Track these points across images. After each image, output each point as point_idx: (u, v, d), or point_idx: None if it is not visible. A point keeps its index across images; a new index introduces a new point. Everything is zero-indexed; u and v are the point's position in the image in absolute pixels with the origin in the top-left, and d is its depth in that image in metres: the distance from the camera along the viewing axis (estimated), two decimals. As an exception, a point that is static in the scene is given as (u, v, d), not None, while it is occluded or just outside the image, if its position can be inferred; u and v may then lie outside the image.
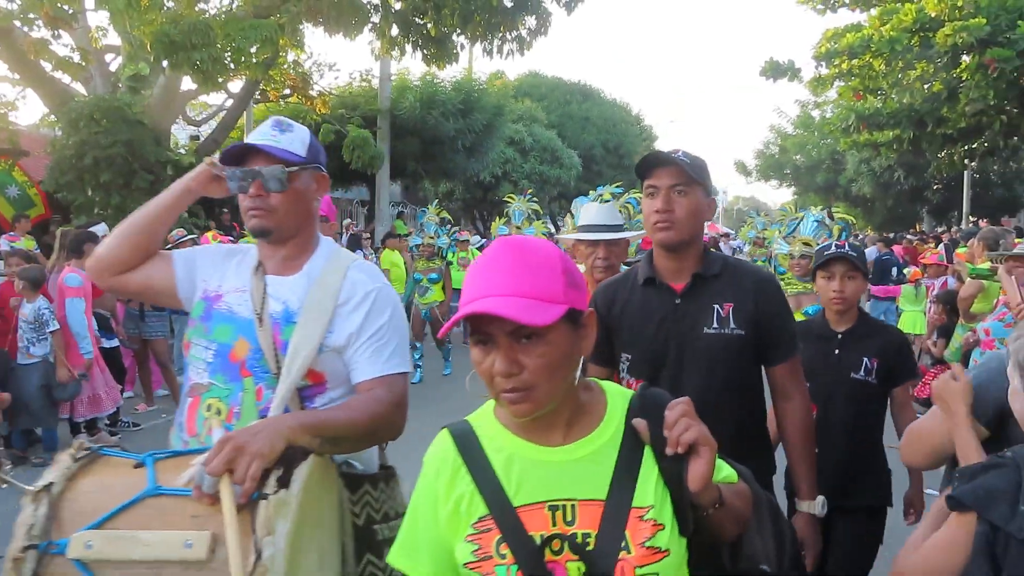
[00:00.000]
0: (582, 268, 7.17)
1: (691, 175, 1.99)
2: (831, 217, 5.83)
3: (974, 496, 1.29)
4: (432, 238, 8.68)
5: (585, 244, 3.05)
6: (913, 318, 9.25)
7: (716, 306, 2.06)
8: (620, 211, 5.38)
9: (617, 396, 1.30)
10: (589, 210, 3.08)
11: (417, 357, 8.44)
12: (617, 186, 6.14)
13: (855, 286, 2.76)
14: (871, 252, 13.63)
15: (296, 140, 1.80)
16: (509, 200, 8.86)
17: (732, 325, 2.04)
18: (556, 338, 1.15)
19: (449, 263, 9.06)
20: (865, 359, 2.70)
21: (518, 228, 8.56)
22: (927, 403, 6.39)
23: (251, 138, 1.79)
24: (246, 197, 1.75)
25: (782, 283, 4.91)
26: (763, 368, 2.17)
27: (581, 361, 1.23)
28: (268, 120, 1.84)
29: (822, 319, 2.82)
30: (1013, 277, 4.05)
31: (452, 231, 9.12)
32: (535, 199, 9.35)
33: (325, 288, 1.76)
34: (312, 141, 1.85)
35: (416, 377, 8.27)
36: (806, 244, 5.35)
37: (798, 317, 4.71)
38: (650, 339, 2.09)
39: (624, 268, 4.23)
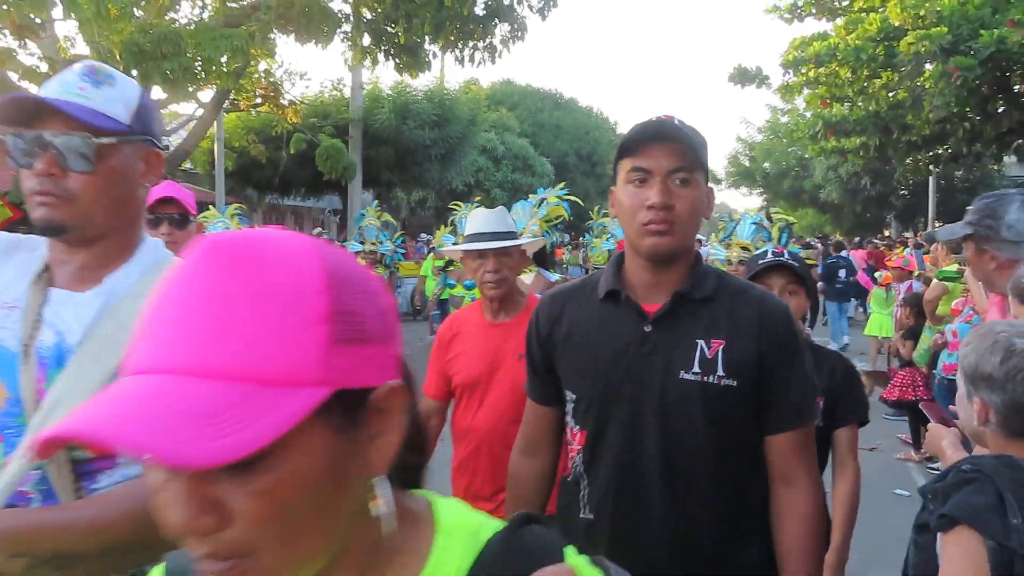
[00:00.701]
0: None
1: (697, 156, 1.47)
2: (770, 219, 5.18)
3: (966, 512, 1.27)
4: (375, 244, 8.10)
5: (472, 256, 2.53)
6: (880, 320, 9.46)
7: (700, 342, 1.48)
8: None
9: (455, 538, 0.67)
10: (476, 217, 2.62)
11: None
12: (561, 187, 6.24)
13: (797, 303, 2.19)
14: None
15: (116, 99, 1.22)
16: (455, 208, 7.18)
17: (720, 371, 1.47)
18: (297, 457, 0.57)
19: (394, 272, 8.58)
20: None
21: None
22: (896, 405, 6.52)
23: (48, 89, 1.20)
24: (31, 175, 1.17)
25: None
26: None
27: (377, 481, 0.63)
28: (77, 65, 1.24)
29: None
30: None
31: (397, 236, 8.60)
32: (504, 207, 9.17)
33: (123, 315, 1.17)
34: (143, 102, 1.27)
35: None
36: (744, 249, 4.78)
37: None
38: (601, 376, 1.52)
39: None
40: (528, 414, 1.75)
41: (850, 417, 2.24)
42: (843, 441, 2.25)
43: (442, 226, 11.85)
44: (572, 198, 6.08)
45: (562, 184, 6.51)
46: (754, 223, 4.95)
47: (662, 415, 1.48)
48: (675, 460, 1.47)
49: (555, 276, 5.73)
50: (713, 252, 4.94)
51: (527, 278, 5.30)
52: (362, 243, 8.20)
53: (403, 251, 8.67)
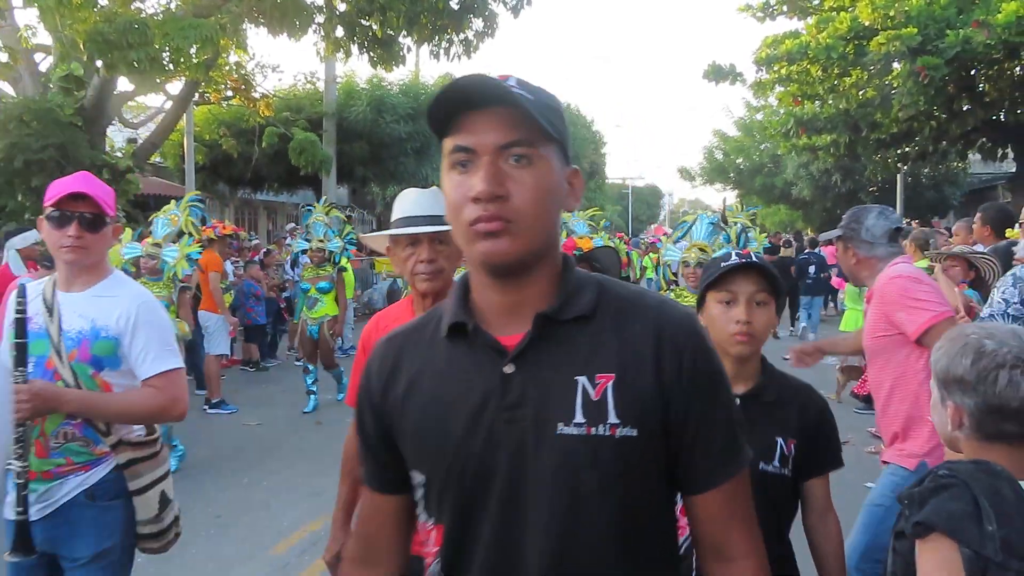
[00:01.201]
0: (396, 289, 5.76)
1: (541, 124, 1.03)
2: (725, 221, 4.79)
3: (942, 519, 1.25)
4: (322, 241, 7.65)
5: (401, 244, 2.14)
6: (856, 316, 9.57)
7: (582, 379, 1.06)
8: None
9: None
10: (406, 198, 2.22)
11: (310, 382, 7.79)
12: None
13: (766, 318, 1.82)
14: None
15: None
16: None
17: (612, 418, 1.05)
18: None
19: (343, 269, 8.06)
20: (779, 440, 1.79)
21: None
22: (868, 399, 6.61)
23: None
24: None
25: (672, 295, 4.28)
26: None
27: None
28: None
29: None
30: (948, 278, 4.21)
31: (347, 232, 8.01)
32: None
33: None
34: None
35: (310, 405, 7.75)
36: (702, 250, 4.36)
37: None
38: (453, 446, 1.10)
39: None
40: (364, 508, 1.29)
41: (826, 466, 1.89)
42: (821, 494, 1.89)
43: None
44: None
45: None
46: (711, 223, 4.47)
47: (540, 495, 1.06)
48: (566, 563, 1.06)
49: None
50: (668, 254, 4.51)
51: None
52: (308, 240, 7.80)
53: (353, 246, 8.23)
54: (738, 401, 1.24)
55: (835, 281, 12.05)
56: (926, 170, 22.05)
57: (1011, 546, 1.21)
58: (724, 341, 1.78)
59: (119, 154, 12.11)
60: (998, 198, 21.95)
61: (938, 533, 1.25)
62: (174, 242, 6.18)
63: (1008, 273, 3.05)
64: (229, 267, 9.46)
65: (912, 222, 18.46)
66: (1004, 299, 2.94)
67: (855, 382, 7.72)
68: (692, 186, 32.30)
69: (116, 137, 16.43)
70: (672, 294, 4.31)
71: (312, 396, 7.79)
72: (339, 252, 7.74)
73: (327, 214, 7.87)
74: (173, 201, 6.61)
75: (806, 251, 13.77)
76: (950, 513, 1.25)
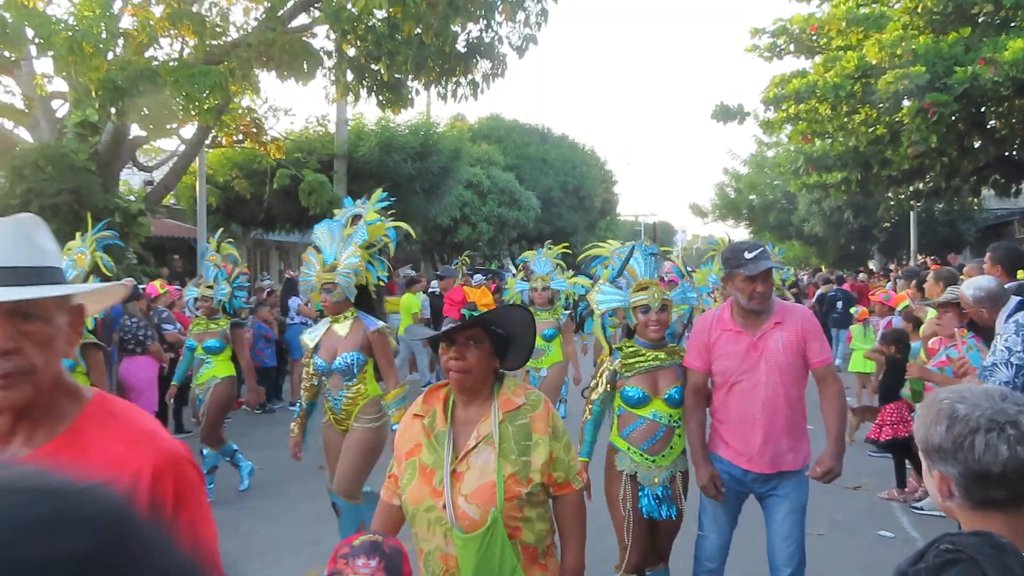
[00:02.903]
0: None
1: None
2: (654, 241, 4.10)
3: None
4: (211, 287, 6.16)
5: None
6: (862, 357, 9.51)
7: None
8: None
9: None
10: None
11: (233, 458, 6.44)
12: (379, 199, 4.23)
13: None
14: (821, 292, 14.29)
15: None
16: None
17: None
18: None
19: (238, 324, 6.41)
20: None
21: (543, 280, 7.06)
22: (889, 446, 6.42)
23: None
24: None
25: (625, 355, 3.45)
26: None
27: None
28: None
29: None
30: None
31: (236, 275, 6.42)
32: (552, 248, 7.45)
33: None
34: None
35: (243, 482, 6.48)
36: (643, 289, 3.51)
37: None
38: None
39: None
40: None
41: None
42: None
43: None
44: (400, 223, 4.74)
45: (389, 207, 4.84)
46: (650, 253, 3.64)
47: None
48: None
49: (377, 324, 4.36)
50: (606, 299, 3.55)
51: (342, 328, 4.32)
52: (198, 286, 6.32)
53: (244, 294, 6.76)
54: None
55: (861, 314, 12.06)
56: (940, 206, 21.90)
57: None
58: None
59: (131, 197, 12.28)
60: (1014, 234, 21.74)
61: None
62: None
63: (1011, 320, 2.97)
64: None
65: (927, 259, 18.29)
66: (1007, 347, 2.85)
67: (870, 423, 7.53)
68: (704, 222, 32.16)
69: (132, 180, 16.72)
70: (622, 354, 3.44)
71: (241, 467, 6.51)
72: (227, 299, 6.25)
73: (221, 252, 6.36)
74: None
75: (833, 288, 14.62)
76: None
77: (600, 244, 4.04)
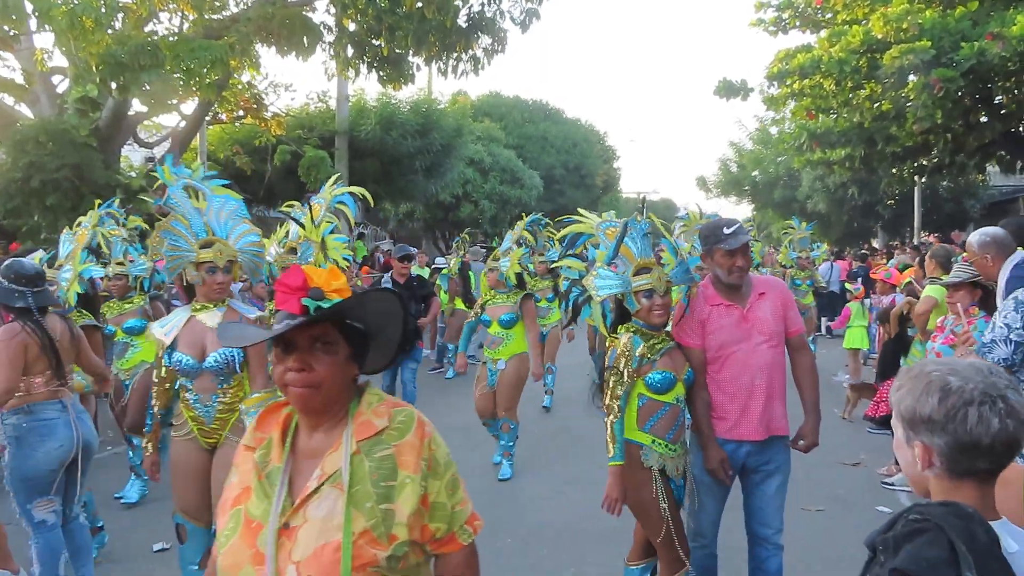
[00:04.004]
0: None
1: None
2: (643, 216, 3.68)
3: (921, 567, 1.22)
4: (121, 263, 5.43)
5: None
6: (860, 333, 9.78)
7: None
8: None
9: None
10: None
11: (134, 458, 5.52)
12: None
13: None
14: (823, 268, 14.20)
15: None
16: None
17: None
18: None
19: (155, 298, 5.76)
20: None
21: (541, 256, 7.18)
22: (883, 421, 6.46)
23: None
24: None
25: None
26: None
27: None
28: None
29: None
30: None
31: (139, 246, 5.68)
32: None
33: None
34: None
35: (132, 494, 5.56)
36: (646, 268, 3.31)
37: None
38: None
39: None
40: None
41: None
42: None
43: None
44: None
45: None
46: (644, 230, 3.36)
47: None
48: None
49: (255, 312, 3.61)
50: (605, 286, 3.27)
51: (210, 317, 3.44)
52: (106, 265, 5.41)
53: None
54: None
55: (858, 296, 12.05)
56: (944, 183, 21.79)
57: None
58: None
59: (133, 173, 12.27)
60: (1019, 210, 21.62)
61: None
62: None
63: (1010, 297, 2.97)
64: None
65: (931, 236, 18.24)
66: (1006, 324, 2.86)
67: (867, 402, 7.57)
68: (707, 197, 31.96)
69: (133, 156, 16.66)
70: (643, 337, 3.22)
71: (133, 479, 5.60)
72: (147, 276, 5.60)
73: (125, 227, 5.62)
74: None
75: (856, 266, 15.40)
76: (928, 560, 1.21)
77: (581, 217, 3.56)
